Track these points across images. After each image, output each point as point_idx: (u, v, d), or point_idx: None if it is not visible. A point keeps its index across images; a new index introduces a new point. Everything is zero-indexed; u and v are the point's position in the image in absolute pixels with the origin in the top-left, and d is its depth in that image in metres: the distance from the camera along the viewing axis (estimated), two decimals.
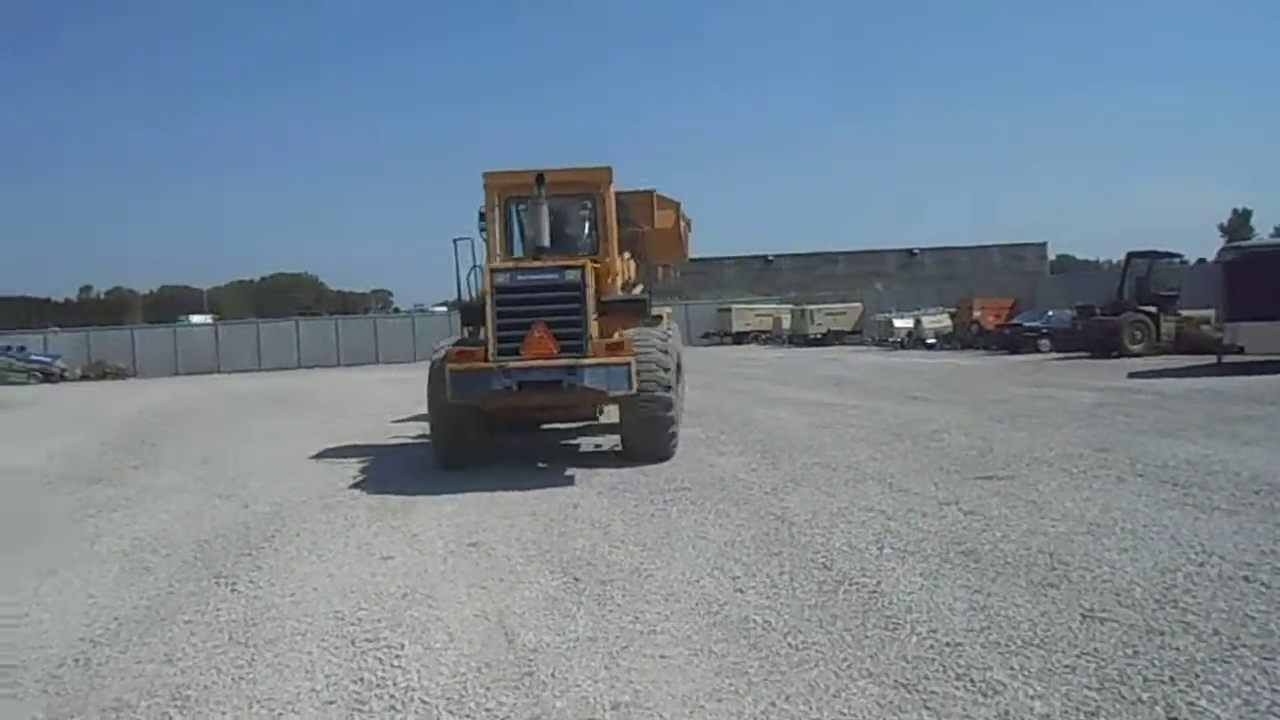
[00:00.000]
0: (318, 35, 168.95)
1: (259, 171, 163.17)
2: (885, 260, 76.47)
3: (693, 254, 19.08)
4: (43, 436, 18.79)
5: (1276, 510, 7.29)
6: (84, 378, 46.88)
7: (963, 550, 6.60)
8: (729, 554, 6.83)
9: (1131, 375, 19.77)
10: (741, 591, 5.92)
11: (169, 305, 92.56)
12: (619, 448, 11.83)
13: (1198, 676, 4.27)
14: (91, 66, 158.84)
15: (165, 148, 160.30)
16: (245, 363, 52.42)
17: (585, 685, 4.54)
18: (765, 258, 76.96)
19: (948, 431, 12.57)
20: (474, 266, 11.97)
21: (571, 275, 10.83)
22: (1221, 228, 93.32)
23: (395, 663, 4.94)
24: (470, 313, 11.83)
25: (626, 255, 13.90)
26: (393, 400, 22.73)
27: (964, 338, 35.56)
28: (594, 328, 11.02)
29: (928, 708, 4.12)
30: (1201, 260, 42.38)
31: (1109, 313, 26.46)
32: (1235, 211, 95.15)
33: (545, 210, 11.65)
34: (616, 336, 11.31)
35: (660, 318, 12.82)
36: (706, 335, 56.75)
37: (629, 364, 10.41)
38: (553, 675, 4.67)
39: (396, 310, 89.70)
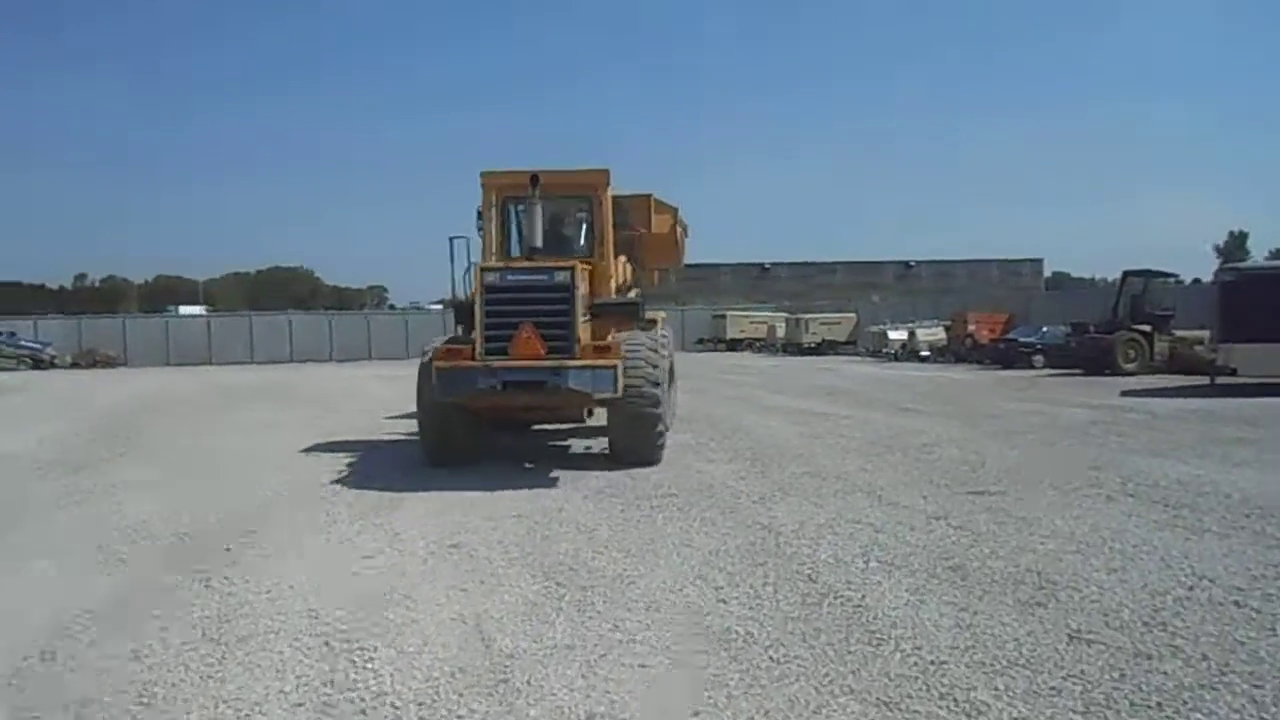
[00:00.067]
0: (318, 35, 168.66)
1: (258, 169, 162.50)
2: (882, 271, 76.49)
3: (689, 259, 19.05)
4: (30, 423, 18.65)
5: (1267, 534, 7.22)
6: (74, 365, 46.69)
7: (950, 566, 6.52)
8: (713, 563, 6.74)
9: (1124, 394, 19.73)
10: (724, 601, 5.83)
11: (164, 295, 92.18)
12: (608, 450, 11.75)
13: (1185, 703, 4.19)
14: (92, 59, 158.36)
15: (165, 144, 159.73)
16: (237, 355, 52.24)
17: (561, 694, 4.44)
18: (762, 265, 76.93)
19: (939, 445, 12.50)
20: (469, 265, 11.91)
21: (561, 277, 10.78)
22: (1217, 249, 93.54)
23: (368, 665, 4.84)
24: (464, 311, 11.76)
25: (622, 259, 13.85)
26: (385, 396, 22.61)
27: (958, 351, 35.54)
28: (584, 330, 10.97)
29: None
30: (1196, 280, 42.40)
31: (1103, 330, 26.43)
32: (1231, 233, 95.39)
33: (539, 211, 11.65)
34: (609, 339, 11.24)
35: (654, 322, 12.75)
36: (701, 341, 56.64)
37: (615, 367, 10.34)
38: (528, 683, 4.57)
39: (392, 307, 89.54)
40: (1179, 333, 26.22)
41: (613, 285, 12.99)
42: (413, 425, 12.48)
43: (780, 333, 51.62)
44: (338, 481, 10.59)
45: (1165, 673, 4.53)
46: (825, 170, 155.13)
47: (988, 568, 6.45)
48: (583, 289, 11.10)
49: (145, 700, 4.45)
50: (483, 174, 12.59)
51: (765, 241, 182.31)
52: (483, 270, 10.98)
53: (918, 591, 5.93)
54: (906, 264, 77.51)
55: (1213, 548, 6.85)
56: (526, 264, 11.42)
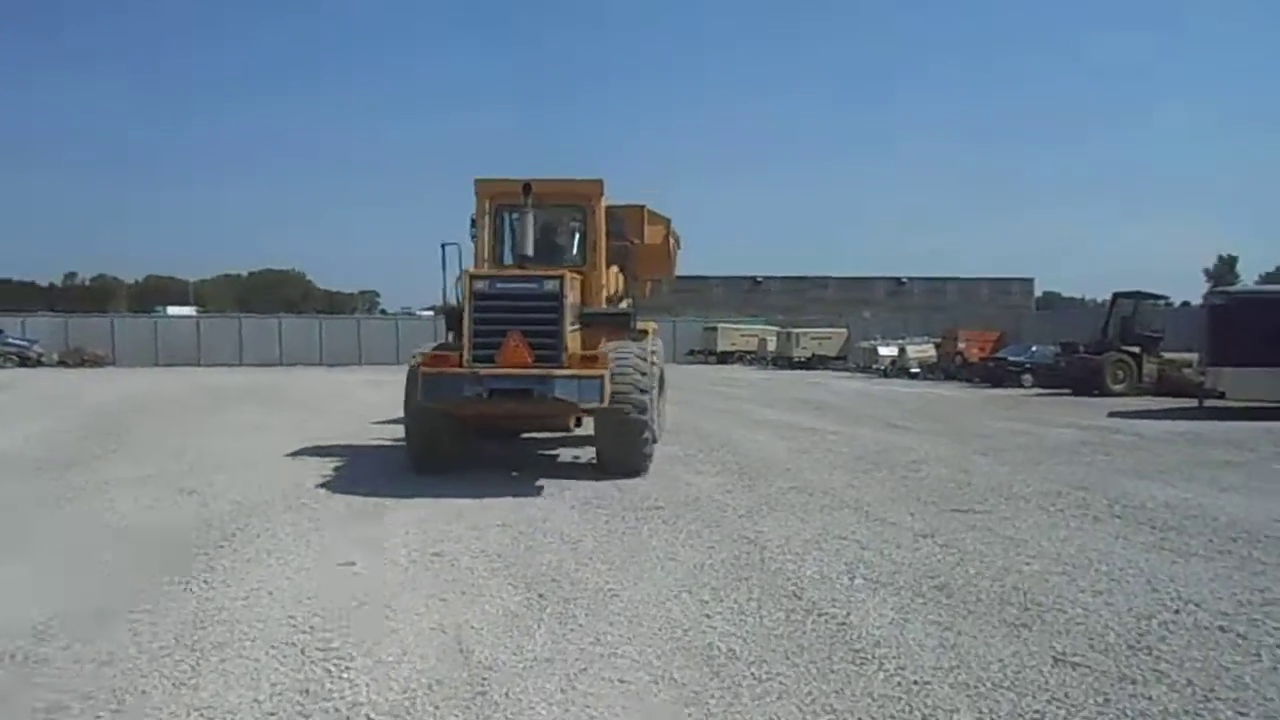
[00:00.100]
0: (317, 36, 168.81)
1: (251, 170, 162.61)
2: (874, 287, 76.63)
3: (682, 271, 19.05)
4: (16, 421, 18.49)
5: (1254, 559, 7.20)
6: (61, 364, 46.36)
7: (936, 584, 6.47)
8: (698, 577, 6.68)
9: (1112, 414, 19.76)
10: (708, 616, 5.77)
11: (154, 295, 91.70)
12: (595, 460, 11.69)
13: None
14: (92, 59, 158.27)
15: (161, 144, 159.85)
16: (226, 357, 52.00)
17: (539, 708, 4.37)
18: (754, 278, 77.01)
19: (927, 462, 12.47)
20: (461, 272, 11.88)
21: (550, 286, 10.75)
22: (1207, 272, 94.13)
23: (344, 675, 4.76)
24: (454, 318, 11.73)
25: (615, 269, 13.83)
26: (373, 401, 22.51)
27: (947, 368, 35.57)
28: (572, 339, 10.95)
29: None
30: (1186, 303, 42.61)
31: (1092, 351, 26.50)
32: (1221, 257, 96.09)
33: (530, 220, 11.65)
34: (599, 349, 11.20)
35: (646, 332, 12.72)
36: (691, 353, 56.65)
37: (602, 377, 10.30)
38: (506, 696, 4.51)
39: (383, 312, 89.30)
40: (1168, 355, 26.30)
41: (604, 295, 12.96)
42: (400, 431, 12.41)
43: (771, 346, 51.63)
44: (322, 486, 10.50)
45: (1150, 698, 4.49)
46: (819, 184, 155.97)
47: (973, 587, 6.41)
48: (571, 298, 11.07)
49: (115, 708, 4.37)
50: (477, 181, 12.60)
51: (757, 255, 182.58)
52: (472, 278, 10.95)
53: (902, 610, 5.88)
54: (899, 280, 77.68)
55: (1199, 571, 6.83)
56: (516, 272, 11.41)
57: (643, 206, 14.64)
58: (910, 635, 5.40)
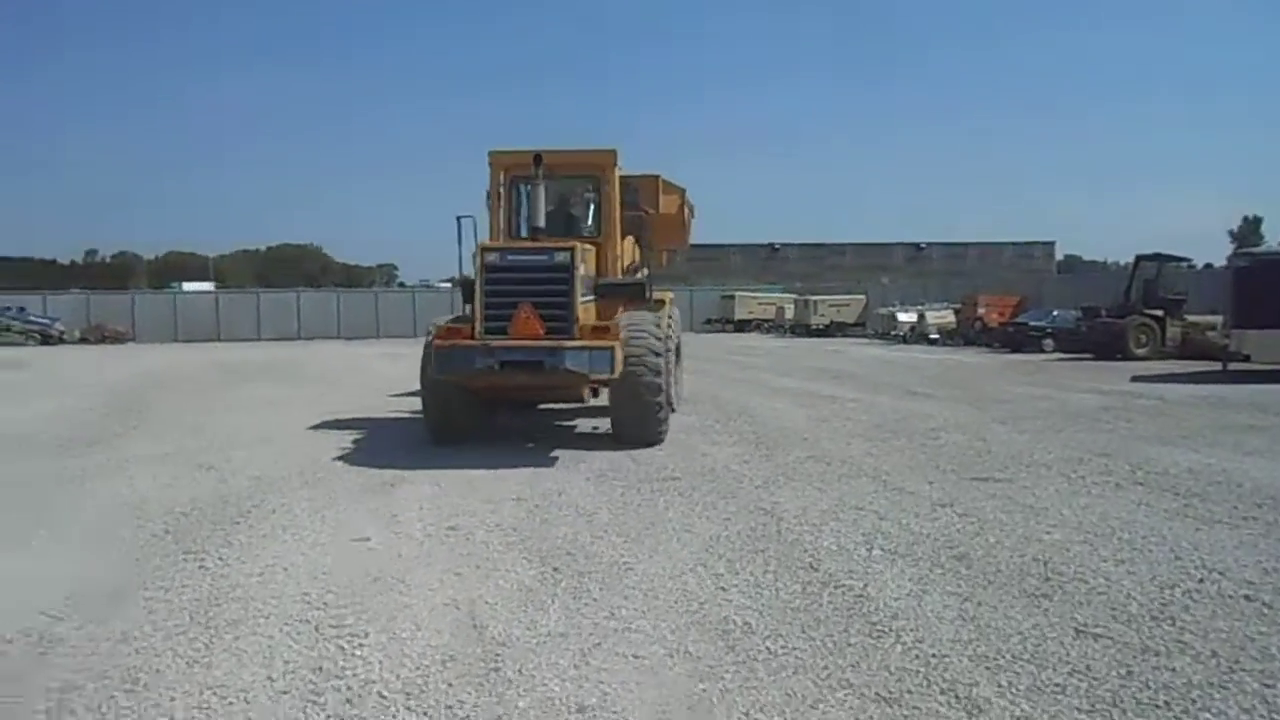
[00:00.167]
0: (334, 6, 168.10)
1: (273, 145, 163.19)
2: (892, 253, 76.07)
3: (699, 240, 18.97)
4: (39, 398, 18.66)
5: (1279, 525, 7.08)
6: (82, 341, 46.86)
7: (955, 555, 6.39)
8: (714, 549, 6.63)
9: (1135, 379, 19.52)
10: (724, 590, 5.72)
11: (174, 272, 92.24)
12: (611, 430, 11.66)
13: (1194, 701, 4.07)
14: (119, 31, 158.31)
15: (184, 121, 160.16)
16: (245, 332, 52.35)
17: (552, 684, 4.34)
18: (772, 246, 76.58)
19: (946, 430, 12.36)
20: (477, 244, 11.85)
21: (561, 257, 10.69)
22: (1231, 234, 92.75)
23: (357, 652, 4.75)
24: (470, 290, 11.69)
25: (630, 239, 13.74)
26: (391, 374, 22.57)
27: (967, 334, 35.31)
28: (584, 310, 10.90)
29: None
30: (1209, 266, 41.97)
31: (1115, 315, 26.21)
32: (1246, 218, 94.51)
33: (543, 191, 11.58)
34: (614, 319, 11.15)
35: (662, 302, 12.65)
36: (709, 322, 56.52)
37: (612, 348, 10.24)
38: (519, 672, 4.47)
39: (401, 285, 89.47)
40: (1191, 318, 26.00)
41: (620, 266, 12.89)
42: (417, 403, 12.43)
43: (789, 314, 51.39)
44: (339, 460, 10.52)
45: (1173, 669, 4.40)
46: (835, 153, 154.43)
47: (993, 557, 6.32)
48: (583, 270, 11.00)
49: (129, 687, 4.36)
50: (491, 153, 12.52)
51: (775, 223, 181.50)
52: (483, 250, 10.90)
53: (921, 581, 5.81)
54: (917, 246, 77.07)
55: (1223, 539, 6.71)
56: (527, 244, 11.34)
57: (657, 176, 14.55)
58: (929, 607, 5.33)
